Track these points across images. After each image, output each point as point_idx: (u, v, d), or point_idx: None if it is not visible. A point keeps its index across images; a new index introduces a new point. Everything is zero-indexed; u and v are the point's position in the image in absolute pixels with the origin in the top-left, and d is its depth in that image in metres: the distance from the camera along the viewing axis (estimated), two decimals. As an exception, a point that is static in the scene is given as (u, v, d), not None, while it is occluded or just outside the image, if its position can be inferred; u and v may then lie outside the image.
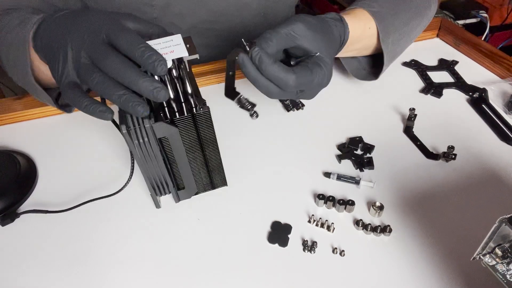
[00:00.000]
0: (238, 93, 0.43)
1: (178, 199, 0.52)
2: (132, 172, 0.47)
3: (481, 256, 0.37)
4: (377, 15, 0.59)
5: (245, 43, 0.44)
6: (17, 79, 0.55)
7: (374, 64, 0.66)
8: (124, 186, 0.49)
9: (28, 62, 0.50)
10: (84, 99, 0.40)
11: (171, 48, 0.42)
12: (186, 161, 0.48)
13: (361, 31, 0.58)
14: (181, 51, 0.41)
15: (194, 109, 0.43)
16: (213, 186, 0.53)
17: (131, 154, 0.45)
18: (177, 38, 0.43)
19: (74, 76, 0.42)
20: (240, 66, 0.44)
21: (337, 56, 0.61)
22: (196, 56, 0.42)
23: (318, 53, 0.48)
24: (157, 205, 0.52)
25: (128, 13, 0.45)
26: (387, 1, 0.62)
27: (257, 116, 0.42)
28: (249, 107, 0.42)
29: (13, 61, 0.52)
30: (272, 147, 0.60)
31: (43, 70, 0.52)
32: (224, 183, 0.54)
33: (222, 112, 0.66)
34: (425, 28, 0.71)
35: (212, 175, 0.52)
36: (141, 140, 0.42)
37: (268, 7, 0.75)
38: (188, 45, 0.43)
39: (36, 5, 0.61)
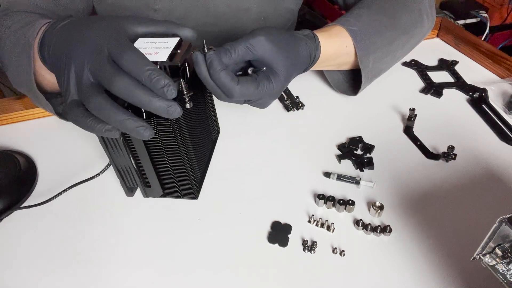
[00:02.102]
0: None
1: (145, 194, 0.53)
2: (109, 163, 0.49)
3: (481, 256, 0.37)
4: (356, 34, 0.59)
5: (205, 45, 0.45)
6: (17, 83, 0.54)
7: (358, 78, 0.66)
8: (101, 172, 0.51)
9: (32, 68, 0.49)
10: (86, 119, 0.40)
11: (158, 50, 0.42)
12: (148, 162, 0.48)
13: (335, 49, 0.59)
14: (162, 56, 0.42)
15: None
16: (182, 195, 0.53)
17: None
18: (172, 41, 0.43)
19: (76, 94, 0.41)
20: (194, 63, 0.45)
21: (315, 69, 0.61)
22: (177, 64, 0.42)
23: (264, 68, 0.49)
24: (127, 193, 0.53)
25: (134, 16, 0.45)
26: (370, 20, 0.61)
27: (191, 105, 0.43)
28: (185, 92, 0.42)
29: (15, 65, 0.52)
30: (272, 147, 0.60)
31: (46, 77, 0.51)
32: (193, 196, 0.52)
33: (222, 112, 0.66)
34: (417, 44, 0.70)
35: (179, 184, 0.51)
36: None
37: (268, 12, 0.75)
38: (179, 51, 0.43)
39: (45, 5, 0.60)
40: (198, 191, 0.53)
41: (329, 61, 0.60)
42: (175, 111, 0.40)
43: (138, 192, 0.54)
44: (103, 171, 0.52)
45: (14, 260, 0.47)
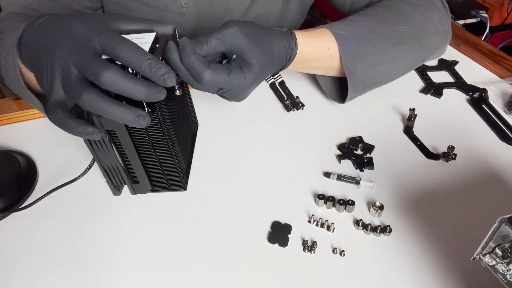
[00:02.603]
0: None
1: (133, 191, 0.53)
2: (93, 159, 0.49)
3: (481, 256, 0.37)
4: (341, 38, 0.58)
5: (177, 33, 0.45)
6: (10, 85, 0.54)
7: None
8: (84, 172, 0.50)
9: (18, 68, 0.48)
10: (68, 121, 0.40)
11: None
12: (136, 157, 0.48)
13: (316, 50, 0.58)
14: None
15: (145, 109, 0.43)
16: (170, 188, 0.53)
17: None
18: (149, 37, 0.43)
19: (60, 93, 0.40)
20: (166, 50, 0.45)
21: (298, 70, 0.61)
22: (158, 57, 0.42)
23: (235, 56, 0.49)
24: (114, 192, 0.53)
25: (117, 14, 0.45)
26: (362, 26, 0.60)
27: (180, 92, 0.43)
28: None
29: (5, 67, 0.51)
30: (272, 147, 0.60)
31: (33, 80, 0.50)
32: (181, 187, 0.53)
33: (221, 112, 0.66)
34: (429, 57, 0.68)
35: (167, 176, 0.51)
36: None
37: (287, 16, 0.74)
38: (157, 45, 0.43)
39: (47, 8, 0.60)
40: (186, 182, 0.53)
41: (311, 62, 0.59)
42: (163, 94, 0.41)
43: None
44: (85, 171, 0.51)
45: (13, 261, 0.47)
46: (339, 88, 0.67)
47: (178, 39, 0.45)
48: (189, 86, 0.57)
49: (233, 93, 0.50)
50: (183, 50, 0.44)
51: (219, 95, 0.50)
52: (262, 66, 0.50)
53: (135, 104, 0.42)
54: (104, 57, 0.40)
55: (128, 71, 0.41)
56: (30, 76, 0.49)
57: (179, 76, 0.45)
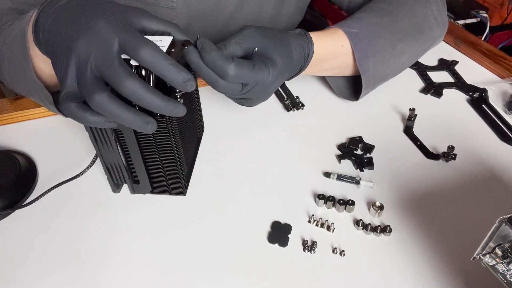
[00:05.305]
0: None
1: (133, 191, 0.53)
2: (96, 155, 0.50)
3: (481, 256, 0.37)
4: (353, 36, 0.59)
5: (198, 38, 0.45)
6: (12, 79, 0.53)
7: (360, 83, 0.63)
8: (87, 168, 0.51)
9: (28, 57, 0.47)
10: (84, 113, 0.40)
11: None
12: (140, 158, 0.48)
13: (330, 48, 0.58)
14: None
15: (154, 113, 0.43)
16: (170, 191, 0.53)
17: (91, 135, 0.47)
18: (166, 40, 0.43)
19: (73, 85, 0.40)
20: (185, 54, 0.44)
21: (314, 73, 0.61)
22: None
23: (256, 49, 0.48)
24: (113, 190, 0.53)
25: (141, 10, 0.43)
26: (370, 23, 0.61)
27: (181, 101, 0.43)
28: (177, 90, 0.43)
29: (8, 59, 0.50)
30: (272, 147, 0.60)
31: (43, 69, 0.49)
32: (181, 192, 0.53)
33: (221, 112, 0.66)
34: (428, 49, 0.69)
35: (168, 180, 0.51)
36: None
37: (278, 15, 0.74)
38: (173, 50, 0.43)
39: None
40: (186, 187, 0.53)
41: (327, 61, 0.59)
42: (179, 111, 0.41)
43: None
44: (88, 168, 0.51)
45: (13, 259, 0.47)
46: (349, 87, 0.68)
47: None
48: (199, 89, 0.57)
49: (258, 90, 0.48)
50: (204, 48, 0.44)
51: (242, 98, 0.50)
52: (283, 64, 0.50)
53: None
54: (123, 56, 0.40)
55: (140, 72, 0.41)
56: (40, 66, 0.49)
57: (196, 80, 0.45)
